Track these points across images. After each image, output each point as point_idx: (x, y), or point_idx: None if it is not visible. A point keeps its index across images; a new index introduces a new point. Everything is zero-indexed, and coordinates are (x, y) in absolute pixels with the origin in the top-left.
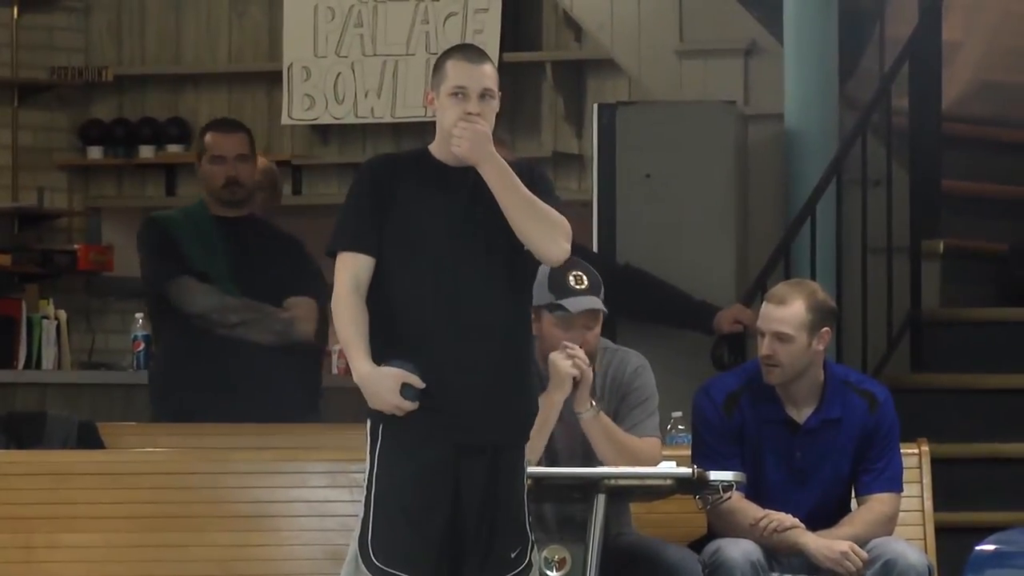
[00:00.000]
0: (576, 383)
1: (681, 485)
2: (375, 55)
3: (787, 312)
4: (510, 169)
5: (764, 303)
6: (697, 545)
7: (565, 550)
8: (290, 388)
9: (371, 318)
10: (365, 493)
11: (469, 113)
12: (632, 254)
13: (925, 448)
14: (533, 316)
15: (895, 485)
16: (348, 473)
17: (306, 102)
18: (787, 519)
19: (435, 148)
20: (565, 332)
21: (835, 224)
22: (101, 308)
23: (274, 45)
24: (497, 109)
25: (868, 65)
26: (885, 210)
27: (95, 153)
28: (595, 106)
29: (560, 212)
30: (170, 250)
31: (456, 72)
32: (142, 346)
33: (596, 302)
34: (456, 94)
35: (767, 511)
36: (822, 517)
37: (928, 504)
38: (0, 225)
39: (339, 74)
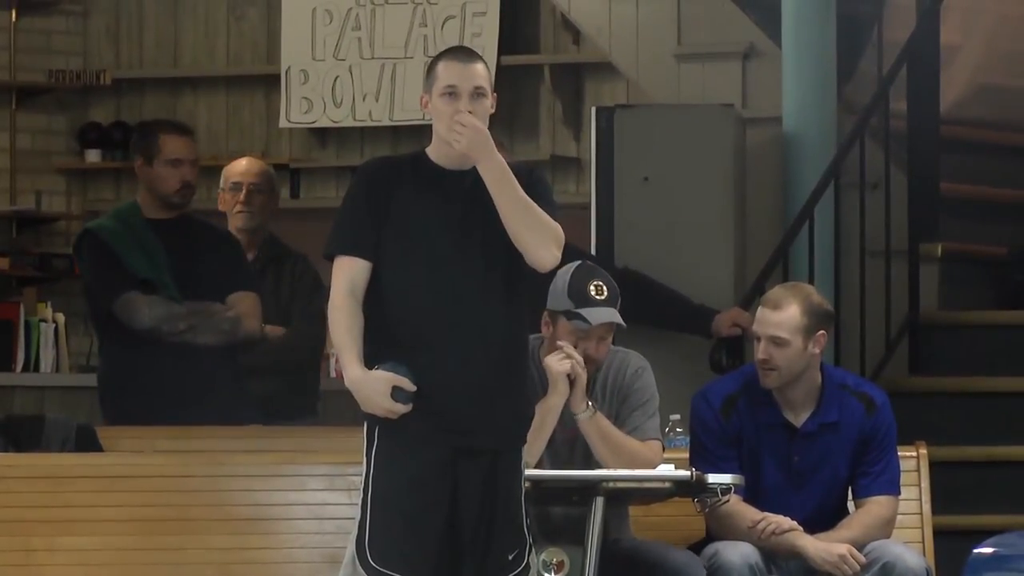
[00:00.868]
0: (571, 384)
1: (680, 488)
2: (373, 58)
3: (782, 316)
4: (509, 169)
5: (760, 307)
6: (695, 548)
7: (564, 553)
8: (234, 388)
9: (368, 320)
10: (362, 495)
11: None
12: (630, 257)
13: (923, 451)
14: (546, 320)
15: (893, 488)
16: (346, 476)
17: (304, 105)
18: (785, 522)
19: (432, 151)
20: (579, 341)
21: (833, 227)
22: None
23: (272, 48)
24: (491, 109)
25: (866, 68)
26: (883, 213)
27: (93, 156)
28: (593, 109)
29: (556, 218)
30: (111, 263)
31: (447, 72)
32: None
33: (615, 315)
34: (448, 94)
35: (765, 514)
36: (820, 520)
37: (926, 507)
38: None
39: (337, 77)
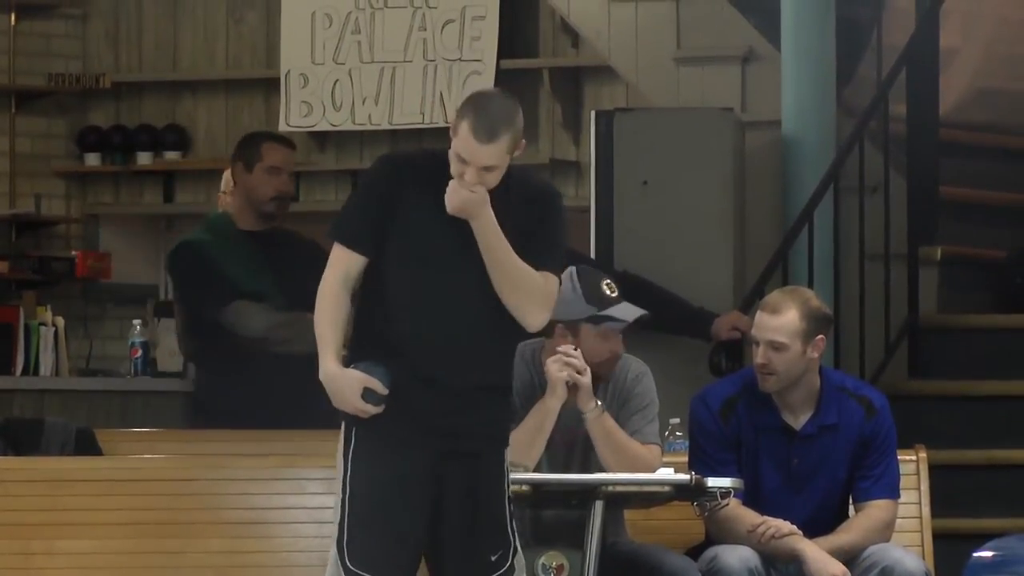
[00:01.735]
0: (576, 387)
1: (679, 492)
2: (372, 62)
3: (781, 321)
4: (500, 231)
5: (758, 311)
6: (695, 552)
7: (563, 556)
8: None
9: (361, 315)
10: (340, 496)
11: (462, 175)
12: (630, 261)
13: (923, 454)
14: (562, 331)
15: (892, 492)
16: None
17: (303, 109)
18: (785, 525)
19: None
20: (605, 342)
21: (833, 231)
22: (99, 315)
23: (271, 52)
24: (499, 176)
25: (865, 72)
26: (883, 217)
27: (92, 160)
28: (593, 113)
29: (560, 253)
30: (211, 275)
31: (463, 144)
32: (139, 353)
33: (637, 307)
34: (459, 160)
35: (764, 518)
36: (819, 523)
37: (926, 510)
38: None
39: (336, 81)
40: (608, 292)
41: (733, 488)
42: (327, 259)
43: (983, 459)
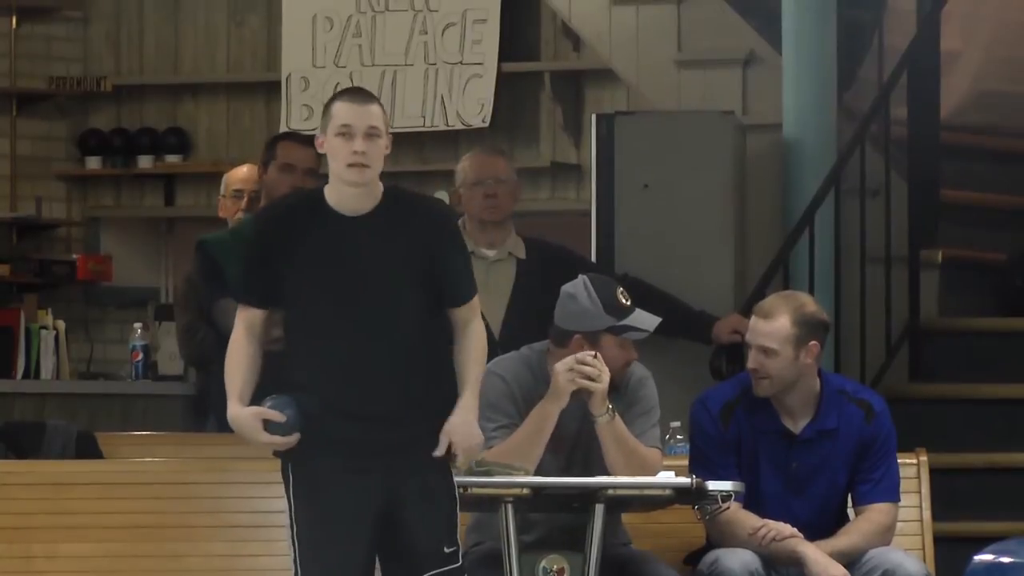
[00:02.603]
0: (589, 392)
1: (680, 495)
2: (374, 65)
3: (772, 326)
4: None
5: (752, 316)
6: (696, 556)
7: (564, 560)
8: None
9: (283, 357)
10: (289, 532)
11: (355, 152)
12: (631, 264)
13: (924, 458)
14: (581, 340)
15: (893, 495)
16: None
17: (304, 112)
18: (785, 528)
19: (330, 193)
20: (622, 350)
21: (834, 234)
22: (100, 318)
23: (272, 55)
24: (386, 150)
25: (866, 75)
26: (884, 220)
27: (93, 163)
28: (593, 116)
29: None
30: (214, 273)
31: (342, 112)
32: (140, 356)
33: (652, 315)
34: (342, 134)
35: (765, 521)
36: (819, 527)
37: (927, 514)
38: None
39: (338, 84)
40: (624, 300)
41: (734, 492)
42: None
43: (984, 462)
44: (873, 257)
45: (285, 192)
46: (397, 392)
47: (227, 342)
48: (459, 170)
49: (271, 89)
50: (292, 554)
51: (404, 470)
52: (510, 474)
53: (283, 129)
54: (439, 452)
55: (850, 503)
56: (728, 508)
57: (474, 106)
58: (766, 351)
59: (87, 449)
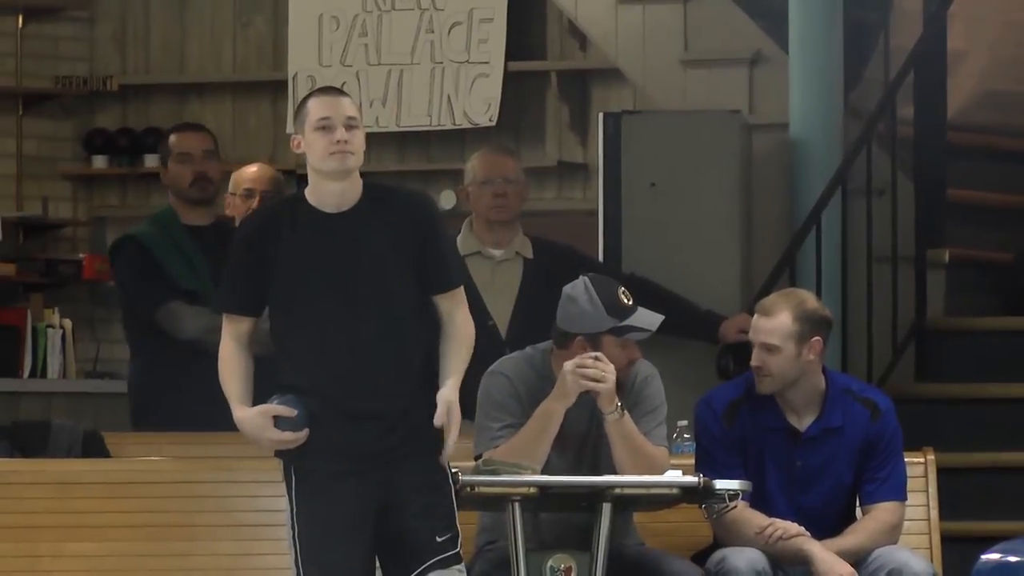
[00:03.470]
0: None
1: (687, 494)
2: (380, 64)
3: (773, 323)
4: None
5: (755, 314)
6: (702, 555)
7: (571, 559)
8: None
9: (275, 361)
10: (290, 534)
11: (338, 141)
12: (637, 263)
13: (931, 457)
14: (583, 342)
15: (899, 494)
16: None
17: None
18: (792, 527)
19: (310, 193)
20: (624, 350)
21: (840, 233)
22: (106, 317)
23: (279, 54)
24: (363, 142)
25: (873, 74)
26: (890, 219)
27: (99, 162)
28: (600, 115)
29: (458, 261)
30: (153, 272)
31: (318, 106)
32: None
33: (654, 313)
34: (322, 127)
35: (772, 519)
36: (825, 525)
37: (934, 513)
38: (4, 234)
39: (344, 83)
40: (625, 300)
41: (741, 490)
42: None
43: (991, 462)
44: (879, 257)
45: (188, 180)
46: (396, 387)
47: (173, 347)
48: (468, 168)
49: (277, 88)
50: (293, 555)
51: (400, 463)
52: (518, 473)
53: (289, 128)
54: (438, 421)
55: (857, 502)
56: (735, 507)
57: (480, 105)
58: (768, 348)
59: (94, 448)
